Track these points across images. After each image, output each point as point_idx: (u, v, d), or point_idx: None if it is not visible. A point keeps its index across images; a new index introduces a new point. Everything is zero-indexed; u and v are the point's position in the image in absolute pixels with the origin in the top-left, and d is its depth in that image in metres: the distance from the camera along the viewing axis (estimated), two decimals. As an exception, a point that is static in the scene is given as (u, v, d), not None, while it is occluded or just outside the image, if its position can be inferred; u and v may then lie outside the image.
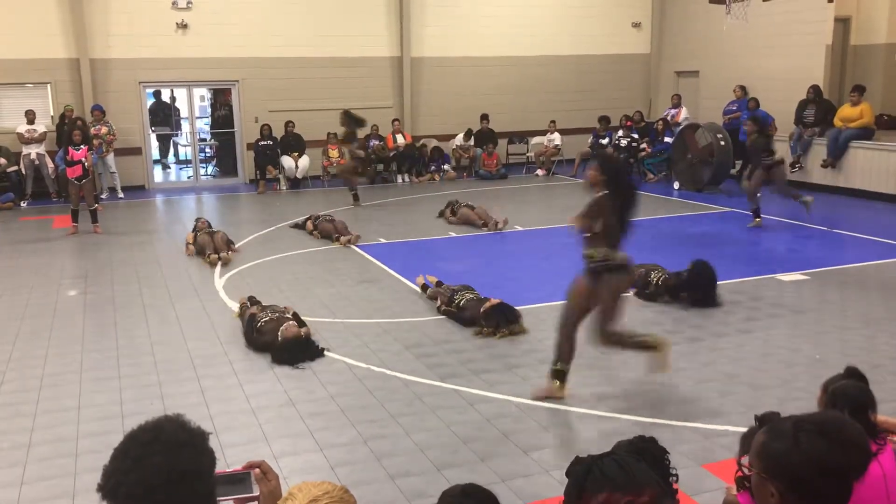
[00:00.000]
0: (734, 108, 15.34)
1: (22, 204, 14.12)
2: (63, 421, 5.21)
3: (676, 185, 14.64)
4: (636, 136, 16.17)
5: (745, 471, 1.92)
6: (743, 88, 15.33)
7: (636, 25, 18.58)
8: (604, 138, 16.58)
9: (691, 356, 6.18)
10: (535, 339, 6.64)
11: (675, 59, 18.24)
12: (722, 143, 14.10)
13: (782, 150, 14.44)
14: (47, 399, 5.58)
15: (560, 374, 5.37)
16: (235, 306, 7.55)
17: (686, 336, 6.64)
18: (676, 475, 2.13)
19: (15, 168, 14.27)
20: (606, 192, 5.15)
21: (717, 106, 15.82)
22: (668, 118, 16.51)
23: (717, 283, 7.55)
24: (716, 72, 16.76)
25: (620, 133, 16.36)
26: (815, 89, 14.15)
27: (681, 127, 15.75)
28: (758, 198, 11.03)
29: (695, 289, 7.45)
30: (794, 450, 1.78)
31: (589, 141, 16.98)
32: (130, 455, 1.67)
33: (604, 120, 16.74)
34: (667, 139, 15.90)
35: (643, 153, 15.99)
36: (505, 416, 5.18)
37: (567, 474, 1.85)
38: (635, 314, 7.22)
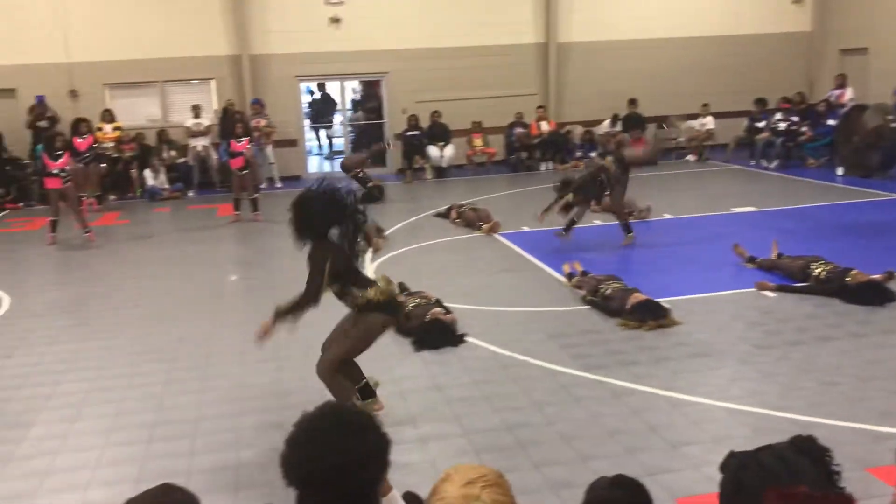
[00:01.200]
0: (908, 87, 14.21)
1: (189, 193, 15.12)
2: (227, 398, 5.54)
3: (840, 171, 13.76)
4: (796, 118, 15.34)
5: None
6: (919, 65, 14.19)
7: (797, 2, 17.55)
8: (760, 121, 15.84)
9: (855, 353, 5.80)
10: (685, 331, 6.43)
11: (841, 37, 17.07)
12: (893, 124, 13.12)
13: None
14: (211, 377, 5.96)
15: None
16: (384, 292, 7.75)
17: (849, 331, 6.24)
18: (840, 472, 2.01)
19: (184, 159, 15.31)
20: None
21: (889, 85, 14.68)
22: (832, 99, 15.57)
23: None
24: (887, 48, 15.56)
25: (778, 116, 15.56)
26: None
27: (846, 108, 14.81)
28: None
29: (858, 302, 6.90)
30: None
31: (744, 125, 16.26)
32: (317, 442, 1.75)
33: (760, 102, 16.02)
34: (830, 122, 14.98)
35: (803, 137, 15.17)
36: (653, 409, 5.07)
37: (721, 469, 1.79)
38: (793, 308, 6.86)
